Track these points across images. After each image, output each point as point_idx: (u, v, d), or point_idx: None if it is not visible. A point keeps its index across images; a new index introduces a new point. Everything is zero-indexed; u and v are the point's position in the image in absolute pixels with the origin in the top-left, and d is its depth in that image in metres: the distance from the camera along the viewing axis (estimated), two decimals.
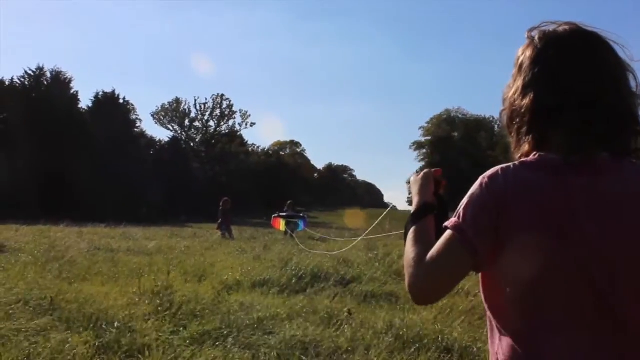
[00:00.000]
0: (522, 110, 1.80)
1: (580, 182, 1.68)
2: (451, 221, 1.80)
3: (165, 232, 28.84)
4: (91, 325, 6.85)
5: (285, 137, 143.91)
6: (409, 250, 1.91)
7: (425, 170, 2.27)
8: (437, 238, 1.88)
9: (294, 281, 10.89)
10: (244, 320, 7.50)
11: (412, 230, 2.00)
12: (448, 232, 1.79)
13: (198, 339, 6.67)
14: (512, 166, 1.75)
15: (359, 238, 6.04)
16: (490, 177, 1.75)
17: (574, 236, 1.65)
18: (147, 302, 8.37)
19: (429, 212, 2.07)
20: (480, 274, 1.86)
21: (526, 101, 1.78)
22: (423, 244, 1.90)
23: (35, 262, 12.11)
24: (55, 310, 7.47)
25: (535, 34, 1.88)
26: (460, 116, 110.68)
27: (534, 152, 1.77)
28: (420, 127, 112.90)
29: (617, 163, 1.71)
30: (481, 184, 1.75)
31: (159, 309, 8.00)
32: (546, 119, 1.75)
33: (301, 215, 15.63)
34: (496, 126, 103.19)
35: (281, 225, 14.92)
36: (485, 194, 1.73)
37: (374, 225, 4.33)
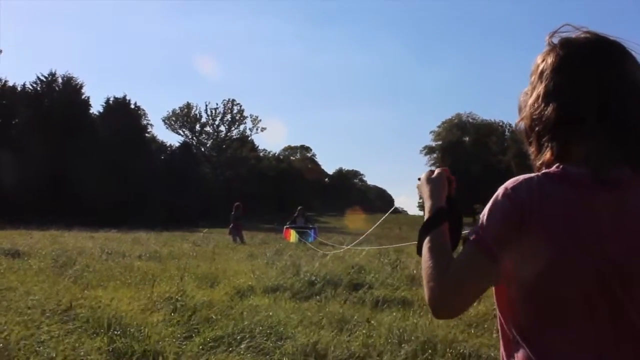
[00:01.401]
0: (544, 119, 1.77)
1: (605, 198, 1.66)
2: (473, 231, 1.77)
3: (176, 237, 28.89)
4: (104, 331, 6.87)
5: (295, 142, 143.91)
6: (427, 262, 1.85)
7: (438, 170, 2.20)
8: (452, 243, 1.89)
9: (306, 287, 10.90)
10: (257, 325, 7.51)
11: (427, 240, 1.92)
12: (470, 244, 1.75)
13: (211, 345, 6.68)
14: (535, 177, 1.72)
15: (363, 235, 6.06)
16: (514, 188, 1.71)
17: (597, 252, 1.64)
18: (160, 307, 8.40)
19: (443, 219, 1.98)
20: (498, 293, 1.84)
21: (548, 110, 1.76)
22: (442, 254, 1.85)
23: (49, 267, 12.15)
24: (70, 315, 7.50)
25: (557, 41, 1.86)
26: (471, 120, 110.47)
27: (557, 164, 1.74)
28: (431, 132, 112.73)
29: (638, 178, 1.69)
30: (505, 194, 1.72)
31: (172, 314, 8.02)
32: (569, 128, 1.72)
33: (311, 226, 15.60)
34: (507, 131, 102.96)
35: (292, 236, 14.97)
36: (507, 205, 1.69)
37: (377, 224, 4.36)
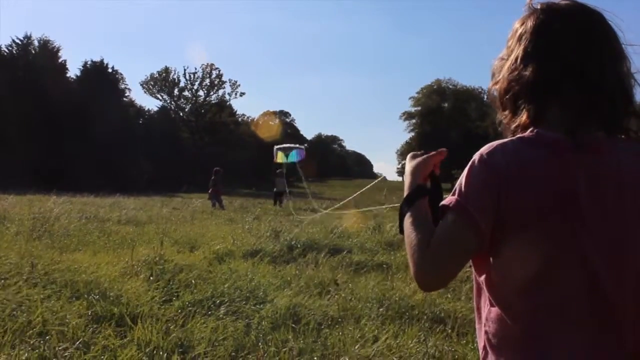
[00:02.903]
0: (521, 81, 1.77)
1: (580, 161, 1.67)
2: (450, 199, 1.75)
3: (155, 202, 28.83)
4: (84, 296, 6.85)
5: (274, 107, 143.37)
6: (410, 236, 1.83)
7: (426, 156, 2.12)
8: (434, 219, 1.85)
9: (285, 251, 10.93)
10: (236, 290, 7.53)
11: (408, 215, 1.91)
12: (450, 213, 1.74)
13: (190, 309, 6.68)
14: (510, 142, 1.72)
15: (344, 201, 6.06)
16: (489, 154, 1.71)
17: (576, 215, 1.65)
18: (139, 272, 8.38)
19: (423, 194, 1.97)
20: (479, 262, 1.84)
21: (527, 71, 1.76)
22: (423, 228, 1.82)
23: (25, 231, 12.07)
24: (47, 280, 7.46)
25: (537, 5, 1.85)
26: (450, 87, 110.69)
27: (531, 128, 1.74)
28: (410, 98, 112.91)
29: (613, 142, 1.71)
30: (480, 161, 1.71)
31: (151, 278, 8.01)
32: (546, 91, 1.73)
33: (297, 145, 15.05)
34: (485, 97, 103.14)
35: (279, 157, 14.55)
36: (484, 171, 1.70)
37: (359, 192, 4.37)
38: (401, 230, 1.93)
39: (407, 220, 1.89)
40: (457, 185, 1.74)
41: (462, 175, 1.74)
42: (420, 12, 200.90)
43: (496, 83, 1.89)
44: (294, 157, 14.66)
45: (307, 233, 13.22)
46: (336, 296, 7.56)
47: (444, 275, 1.79)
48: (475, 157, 1.73)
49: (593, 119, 1.69)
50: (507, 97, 1.83)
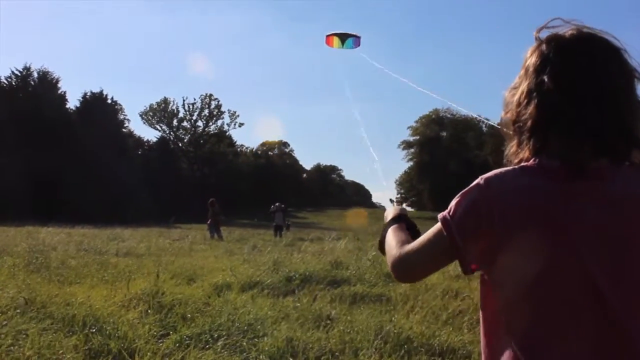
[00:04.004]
0: (525, 116, 1.80)
1: (579, 187, 1.69)
2: (442, 213, 1.83)
3: (154, 233, 28.78)
4: (80, 329, 6.81)
5: (273, 138, 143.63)
6: (390, 238, 2.11)
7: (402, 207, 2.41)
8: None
9: (284, 283, 10.88)
10: (234, 323, 7.48)
11: (390, 229, 2.19)
12: (440, 223, 1.83)
13: (188, 343, 6.64)
14: (511, 170, 1.78)
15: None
16: (487, 180, 1.76)
17: (573, 240, 1.67)
18: (136, 305, 8.34)
19: (401, 220, 2.24)
20: (480, 282, 1.90)
21: (530, 107, 1.79)
22: (401, 235, 2.10)
23: (24, 264, 12.04)
24: (45, 313, 7.43)
25: (543, 36, 1.88)
26: (448, 116, 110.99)
27: (533, 158, 1.78)
28: (409, 127, 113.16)
29: (616, 169, 1.72)
30: (477, 185, 1.77)
31: (149, 311, 7.97)
32: (547, 125, 1.76)
33: (354, 34, 14.43)
34: (484, 126, 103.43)
35: (335, 42, 13.85)
36: (478, 196, 1.75)
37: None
38: (382, 251, 2.19)
39: (389, 234, 2.17)
40: (452, 201, 1.82)
41: (460, 194, 1.80)
42: (418, 41, 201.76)
43: (507, 113, 1.94)
44: (350, 44, 14.10)
45: (306, 264, 13.17)
46: (335, 329, 7.52)
47: (418, 270, 2.02)
48: (475, 181, 1.79)
49: (595, 149, 1.71)
50: (514, 129, 1.87)
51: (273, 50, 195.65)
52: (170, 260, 14.45)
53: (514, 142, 1.88)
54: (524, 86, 1.85)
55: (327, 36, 14.31)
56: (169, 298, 8.74)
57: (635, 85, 1.79)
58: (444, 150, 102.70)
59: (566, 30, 1.85)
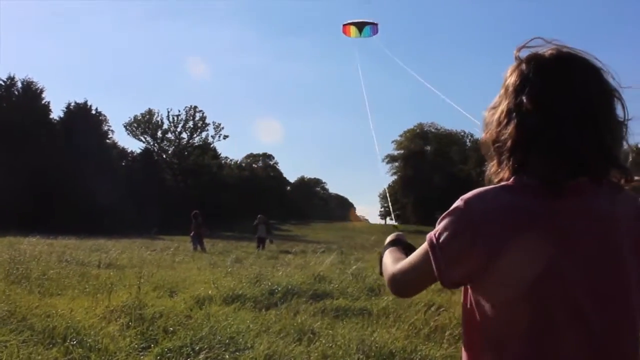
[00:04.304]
0: (505, 136, 1.82)
1: (560, 206, 1.71)
2: (430, 235, 1.85)
3: (136, 245, 28.65)
4: (61, 342, 6.77)
5: (257, 150, 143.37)
6: (387, 259, 2.28)
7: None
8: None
9: (266, 296, 10.85)
10: (216, 336, 7.46)
11: (387, 251, 2.36)
12: (427, 246, 1.87)
13: (169, 356, 6.61)
14: (492, 190, 1.79)
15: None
16: (467, 201, 1.78)
17: (556, 257, 1.68)
18: (117, 317, 8.30)
19: (398, 244, 2.42)
20: (462, 294, 1.92)
21: (510, 127, 1.80)
22: (396, 254, 2.28)
23: (4, 275, 11.95)
24: (25, 324, 7.38)
25: (524, 56, 1.90)
26: (433, 130, 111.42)
27: (513, 177, 1.79)
28: (393, 141, 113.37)
29: (595, 187, 1.74)
30: (457, 207, 1.78)
31: (130, 324, 7.93)
32: (526, 145, 1.77)
33: (371, 21, 13.97)
34: (468, 141, 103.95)
35: (352, 31, 13.47)
36: (458, 219, 1.77)
37: None
38: (381, 273, 2.32)
39: (385, 255, 2.33)
40: (437, 223, 1.85)
41: (442, 217, 1.83)
42: (402, 56, 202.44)
43: (487, 133, 1.94)
44: (367, 32, 13.78)
45: (289, 277, 13.15)
46: (316, 342, 7.51)
47: (409, 289, 2.16)
48: (456, 203, 1.80)
49: (574, 168, 1.72)
50: (494, 148, 1.89)
51: (258, 64, 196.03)
52: (153, 272, 14.38)
53: (494, 162, 1.89)
54: (503, 106, 1.86)
55: (344, 25, 13.93)
56: (150, 310, 8.70)
57: (615, 105, 1.81)
58: (428, 165, 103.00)
59: (546, 50, 1.87)
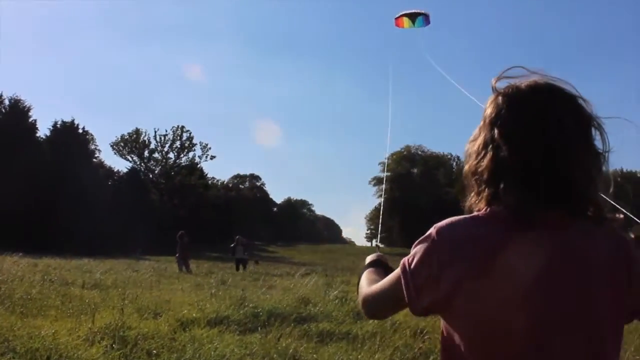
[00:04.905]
0: (482, 168, 1.84)
1: (529, 238, 1.72)
2: (404, 260, 1.88)
3: (121, 265, 28.51)
4: None
5: (245, 171, 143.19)
6: (363, 279, 2.32)
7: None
8: None
9: (250, 319, 10.81)
10: (200, 359, 7.43)
11: (364, 274, 2.37)
12: (399, 271, 1.90)
13: None
14: (463, 219, 1.81)
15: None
16: (439, 229, 1.79)
17: (521, 289, 1.69)
18: (100, 339, 8.25)
19: (378, 265, 2.43)
20: (441, 323, 1.91)
21: (486, 159, 1.82)
22: (373, 275, 2.31)
23: None
24: (8, 346, 7.32)
25: (501, 87, 1.92)
26: (420, 153, 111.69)
27: (486, 208, 1.81)
28: (380, 163, 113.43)
29: (567, 220, 1.75)
30: (430, 235, 1.80)
31: (113, 346, 7.89)
32: (501, 177, 1.78)
33: (423, 12, 13.64)
34: (455, 163, 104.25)
35: (405, 22, 13.14)
36: (430, 246, 1.79)
37: None
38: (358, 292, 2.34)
39: (363, 275, 2.36)
40: (412, 249, 1.87)
41: (417, 244, 1.85)
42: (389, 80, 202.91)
43: (467, 165, 1.96)
44: (420, 22, 13.46)
45: (274, 300, 13.11)
46: None
47: (381, 312, 2.25)
48: (429, 231, 1.82)
49: (545, 201, 1.73)
50: (473, 180, 1.90)
51: (246, 85, 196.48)
52: (137, 293, 14.31)
53: (474, 193, 1.91)
54: (480, 138, 1.89)
55: (397, 18, 13.84)
56: (134, 332, 8.65)
57: (592, 134, 1.82)
58: (414, 187, 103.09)
59: (522, 81, 1.89)
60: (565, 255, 1.73)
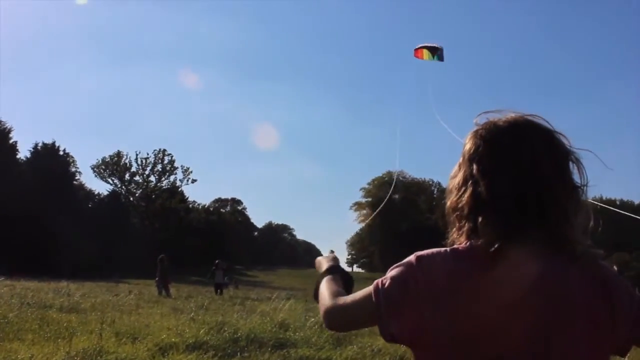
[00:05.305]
0: (462, 204, 1.85)
1: (503, 273, 1.72)
2: (377, 280, 1.88)
3: (100, 289, 28.33)
4: None
5: (226, 195, 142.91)
6: (324, 289, 2.23)
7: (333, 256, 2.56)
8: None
9: (229, 344, 10.76)
10: None
11: (324, 281, 2.29)
12: (373, 288, 1.89)
13: None
14: (443, 252, 1.81)
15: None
16: (419, 258, 1.80)
17: (493, 325, 1.69)
18: None
19: (336, 271, 2.35)
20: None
21: (465, 195, 1.84)
22: (335, 286, 2.22)
23: None
24: None
25: (481, 123, 1.94)
26: (401, 179, 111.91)
27: (466, 241, 1.82)
28: (361, 188, 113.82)
29: (541, 257, 1.75)
30: (410, 262, 1.82)
31: None
32: (480, 213, 1.79)
33: (438, 46, 13.72)
34: (436, 190, 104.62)
35: (425, 54, 13.27)
36: (408, 273, 1.80)
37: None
38: (315, 297, 2.30)
39: (323, 284, 2.28)
40: (389, 270, 1.88)
41: (394, 266, 1.86)
42: (372, 105, 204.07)
43: (448, 200, 1.97)
44: (439, 56, 13.50)
45: (253, 325, 13.05)
46: None
47: (346, 325, 2.19)
48: (409, 257, 1.84)
49: (519, 238, 1.74)
50: (454, 216, 1.92)
51: (227, 109, 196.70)
52: (115, 317, 14.21)
53: (455, 229, 1.92)
54: (460, 174, 1.91)
55: (417, 49, 13.96)
56: (112, 357, 8.60)
57: (569, 169, 1.84)
58: (396, 213, 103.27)
59: (500, 118, 1.91)
60: (539, 293, 1.72)
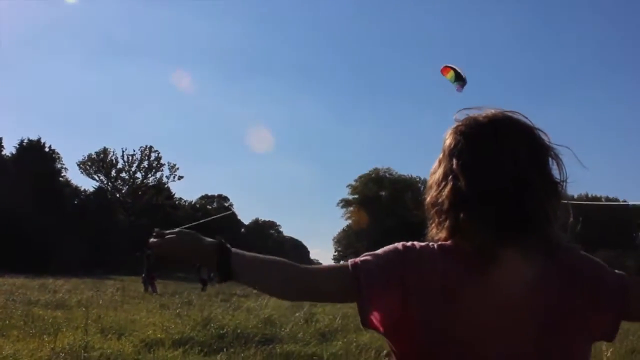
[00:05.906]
0: (442, 199, 1.84)
1: (490, 273, 1.73)
2: (354, 259, 1.86)
3: (86, 285, 28.24)
4: None
5: (212, 191, 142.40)
6: (269, 262, 2.05)
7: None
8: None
9: (215, 340, 10.75)
10: None
11: (244, 253, 2.15)
12: (346, 263, 1.87)
13: None
14: (430, 248, 1.82)
15: None
16: (407, 247, 1.82)
17: (480, 325, 1.70)
18: None
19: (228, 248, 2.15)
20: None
21: (445, 190, 1.83)
22: (274, 257, 2.07)
23: None
24: None
25: (460, 119, 1.94)
26: (388, 176, 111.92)
27: (451, 239, 1.82)
28: (348, 185, 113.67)
29: (522, 255, 1.76)
30: (396, 248, 1.83)
31: None
32: (459, 209, 1.78)
33: (464, 76, 13.67)
34: (423, 187, 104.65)
35: (449, 74, 13.22)
36: (395, 258, 1.80)
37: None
38: (224, 277, 2.07)
39: (248, 257, 2.13)
40: (373, 253, 1.87)
41: (382, 248, 1.87)
42: (358, 102, 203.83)
43: (428, 196, 1.96)
44: (458, 84, 13.49)
45: (239, 321, 13.05)
46: None
47: (305, 295, 2.07)
48: (397, 244, 1.86)
49: (501, 233, 1.74)
50: (434, 211, 1.90)
51: (214, 106, 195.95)
52: (101, 313, 14.18)
53: (435, 224, 1.91)
54: (441, 169, 1.90)
55: (445, 67, 14.02)
56: (97, 353, 8.58)
57: (549, 165, 1.84)
58: (382, 209, 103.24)
59: (480, 114, 1.91)
60: (531, 296, 1.73)
